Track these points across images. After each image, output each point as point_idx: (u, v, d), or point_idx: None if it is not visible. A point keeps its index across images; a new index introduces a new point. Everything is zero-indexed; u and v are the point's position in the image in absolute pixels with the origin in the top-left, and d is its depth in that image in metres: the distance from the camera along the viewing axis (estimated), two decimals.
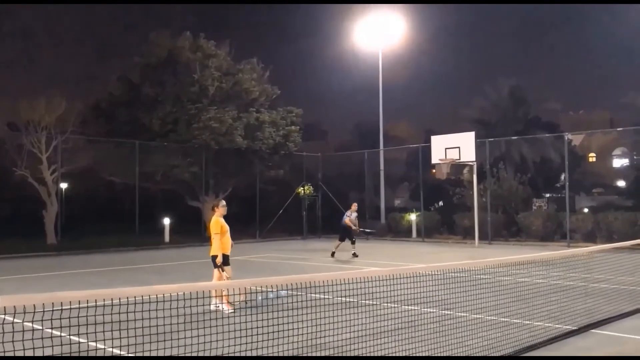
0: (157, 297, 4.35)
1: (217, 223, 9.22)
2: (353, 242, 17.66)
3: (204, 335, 5.18)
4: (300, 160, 31.15)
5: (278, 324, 5.58)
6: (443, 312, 7.76)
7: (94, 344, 4.94)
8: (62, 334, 4.19)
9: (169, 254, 20.48)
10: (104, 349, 5.39)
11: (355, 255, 17.47)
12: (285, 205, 28.24)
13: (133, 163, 23.88)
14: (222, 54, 27.14)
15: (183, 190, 27.64)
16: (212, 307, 8.37)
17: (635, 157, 34.57)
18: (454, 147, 22.65)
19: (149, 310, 4.77)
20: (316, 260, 17.45)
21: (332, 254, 17.54)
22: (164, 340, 4.79)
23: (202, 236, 25.74)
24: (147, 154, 24.65)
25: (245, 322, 7.38)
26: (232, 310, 8.37)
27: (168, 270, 15.74)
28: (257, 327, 5.70)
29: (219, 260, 9.01)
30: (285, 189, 29.49)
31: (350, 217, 17.83)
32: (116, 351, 5.70)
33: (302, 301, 8.38)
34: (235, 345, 5.38)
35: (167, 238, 24.40)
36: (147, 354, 5.06)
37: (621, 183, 41.80)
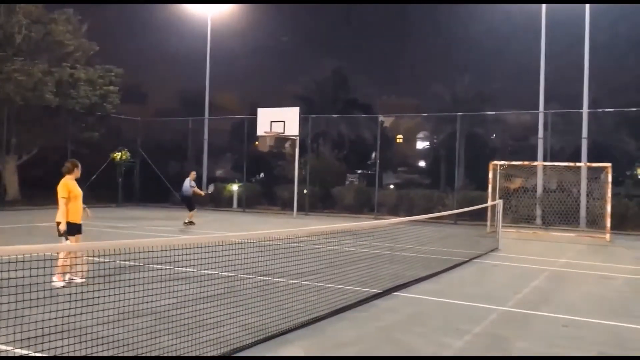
0: None
1: (65, 186, 8.19)
2: (191, 210, 17.64)
3: (4, 303, 4.78)
4: (118, 123, 29.48)
5: (93, 291, 5.36)
6: (261, 277, 8.06)
7: None
8: None
9: None
10: None
11: (192, 223, 17.45)
12: (98, 170, 26.57)
13: None
14: None
15: None
16: (58, 283, 7.63)
17: (435, 141, 38.44)
18: (279, 121, 23.20)
19: None
20: (135, 228, 16.81)
21: (191, 223, 17.28)
22: None
23: (1, 200, 23.27)
24: None
25: (49, 289, 6.96)
26: (63, 285, 7.71)
27: None
28: (71, 294, 5.42)
29: (62, 227, 8.01)
30: (99, 153, 27.68)
31: (194, 186, 17.84)
32: None
33: (116, 267, 8.10)
34: (49, 312, 5.05)
35: None
36: None
37: (422, 163, 46.33)
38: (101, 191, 26.63)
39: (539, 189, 21.94)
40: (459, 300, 7.98)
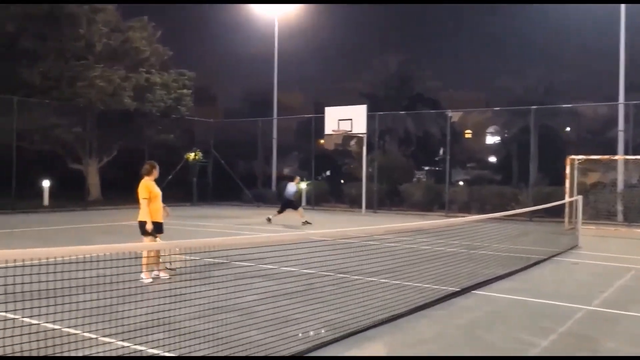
0: (54, 260, 4.22)
1: (145, 187, 8.53)
2: (280, 212, 18.54)
3: (100, 299, 5.05)
4: (191, 125, 30.48)
5: (180, 287, 5.61)
6: (339, 275, 8.17)
7: None
8: None
9: (49, 218, 19.38)
10: None
11: (269, 220, 18.42)
12: (174, 170, 27.59)
13: (8, 120, 22.07)
14: (110, 9, 25.63)
15: (64, 152, 26.09)
16: (146, 280, 8.06)
17: (506, 135, 37.39)
18: (346, 119, 23.29)
19: (39, 274, 4.57)
20: (212, 226, 17.37)
21: (307, 223, 18.09)
22: (55, 305, 4.62)
23: (84, 200, 24.58)
24: (24, 111, 22.89)
25: (140, 286, 7.33)
26: (151, 281, 8.09)
27: (50, 234, 14.93)
28: (160, 291, 5.71)
29: (149, 227, 8.37)
30: (174, 154, 28.75)
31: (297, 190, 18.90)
32: (8, 315, 5.44)
33: (200, 265, 8.42)
34: (138, 308, 5.33)
35: (46, 201, 23.01)
36: (40, 318, 4.90)
37: (492, 159, 45.20)
38: (176, 190, 27.63)
39: (620, 184, 20.98)
40: (541, 298, 7.80)
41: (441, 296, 7.57)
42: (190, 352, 4.91)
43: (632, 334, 6.23)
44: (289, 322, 5.86)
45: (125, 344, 4.99)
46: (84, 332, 5.07)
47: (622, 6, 21.92)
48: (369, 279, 7.74)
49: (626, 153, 21.46)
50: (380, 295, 6.95)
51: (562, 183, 18.61)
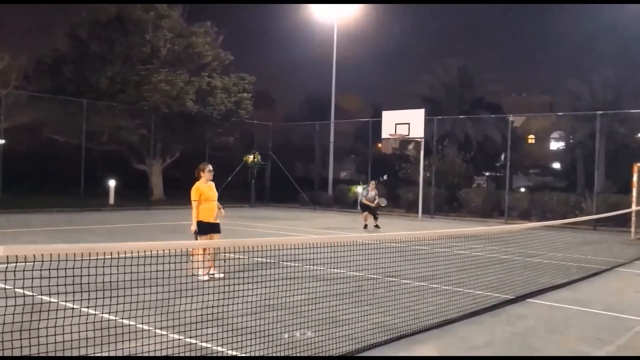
0: (116, 255, 4.42)
1: (197, 190, 8.90)
2: (376, 217, 18.54)
3: (157, 293, 5.23)
4: (250, 128, 31.04)
5: (232, 285, 5.74)
6: (388, 278, 8.15)
7: (47, 297, 4.90)
8: (7, 286, 4.09)
9: (114, 216, 20.19)
10: (57, 302, 5.39)
11: (377, 226, 18.32)
12: (233, 172, 28.19)
13: (78, 122, 23.19)
14: (175, 15, 26.47)
15: (129, 153, 27.10)
16: (204, 277, 8.32)
17: (571, 141, 36.09)
18: (404, 123, 23.14)
19: (103, 267, 4.78)
20: (264, 227, 17.64)
21: (365, 226, 18.30)
22: (117, 297, 4.82)
23: (147, 200, 25.45)
24: (93, 113, 23.99)
25: (196, 282, 7.53)
26: (207, 278, 8.32)
27: (114, 232, 15.57)
28: (210, 287, 5.84)
29: (193, 228, 8.79)
30: (233, 156, 29.39)
31: (366, 196, 18.81)
32: (69, 305, 5.72)
33: (250, 264, 8.58)
34: (191, 303, 5.48)
35: (111, 200, 23.98)
36: (99, 309, 5.13)
37: (556, 165, 43.77)
38: (235, 192, 28.21)
39: None
40: (599, 310, 7.52)
41: (494, 303, 7.42)
42: (240, 348, 5.04)
43: None
44: (338, 323, 5.91)
45: (178, 336, 5.17)
46: (139, 324, 5.28)
47: None
48: (418, 283, 7.68)
49: None
50: (431, 300, 6.89)
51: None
